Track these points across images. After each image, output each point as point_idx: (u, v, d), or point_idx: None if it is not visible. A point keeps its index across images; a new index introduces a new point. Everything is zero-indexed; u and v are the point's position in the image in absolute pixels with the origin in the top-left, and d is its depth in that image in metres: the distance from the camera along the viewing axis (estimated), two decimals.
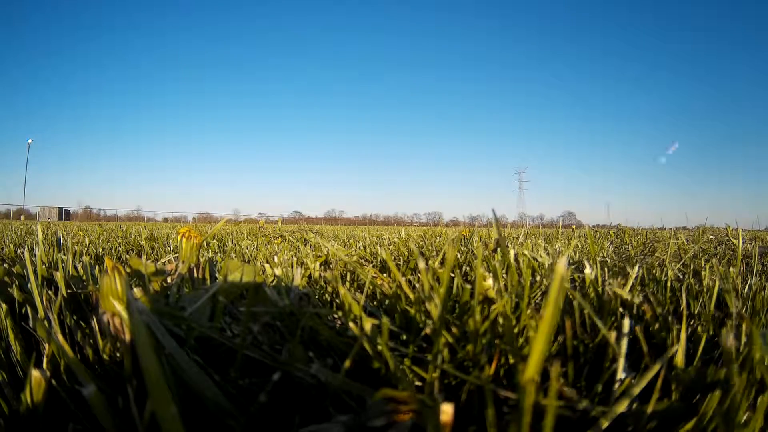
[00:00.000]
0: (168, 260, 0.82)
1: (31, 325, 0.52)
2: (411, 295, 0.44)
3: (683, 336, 0.36)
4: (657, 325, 0.45)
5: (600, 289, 0.54)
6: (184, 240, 0.60)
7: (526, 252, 0.64)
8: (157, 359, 0.16)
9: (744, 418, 0.29)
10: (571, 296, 0.41)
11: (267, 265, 0.76)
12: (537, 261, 0.73)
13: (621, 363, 0.33)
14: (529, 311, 0.41)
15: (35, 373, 0.32)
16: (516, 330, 0.40)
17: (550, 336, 0.17)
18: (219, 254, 1.28)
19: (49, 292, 0.56)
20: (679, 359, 0.35)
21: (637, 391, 0.30)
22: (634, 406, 0.31)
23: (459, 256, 1.06)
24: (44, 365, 0.39)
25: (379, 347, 0.34)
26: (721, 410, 0.25)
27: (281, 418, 0.33)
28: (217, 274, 0.66)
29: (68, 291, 0.56)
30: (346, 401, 0.33)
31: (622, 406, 0.29)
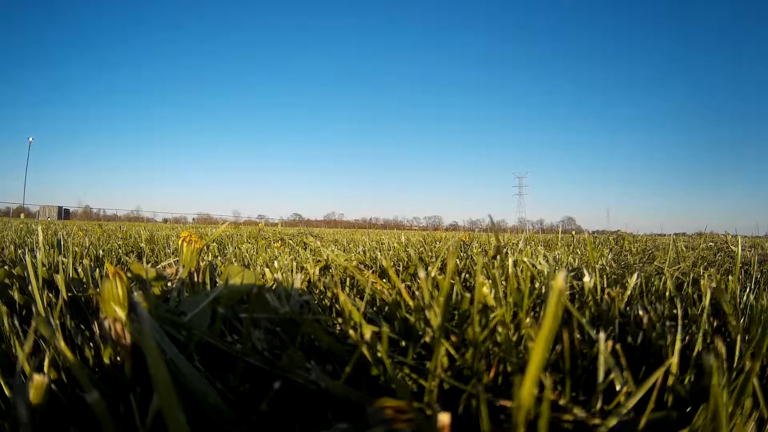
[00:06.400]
0: (168, 264, 0.82)
1: (32, 327, 0.52)
2: (411, 303, 0.44)
3: (677, 346, 0.36)
4: (654, 334, 0.45)
5: (599, 297, 0.55)
6: (184, 244, 0.60)
7: (525, 259, 0.65)
8: (165, 367, 0.16)
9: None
10: (569, 308, 0.42)
11: (267, 270, 0.77)
12: (536, 268, 0.73)
13: (618, 374, 0.33)
14: (528, 320, 0.41)
15: (36, 377, 0.32)
16: (515, 338, 0.41)
17: (546, 351, 0.17)
18: (219, 258, 1.29)
19: (50, 294, 0.57)
20: (674, 369, 0.36)
21: (633, 402, 0.30)
22: (631, 415, 0.31)
23: (458, 262, 1.06)
24: (45, 369, 0.39)
25: (379, 354, 0.35)
26: (712, 422, 0.25)
27: (281, 425, 0.33)
28: (217, 279, 0.67)
29: (69, 294, 0.56)
30: (345, 408, 0.34)
31: (618, 416, 0.30)
